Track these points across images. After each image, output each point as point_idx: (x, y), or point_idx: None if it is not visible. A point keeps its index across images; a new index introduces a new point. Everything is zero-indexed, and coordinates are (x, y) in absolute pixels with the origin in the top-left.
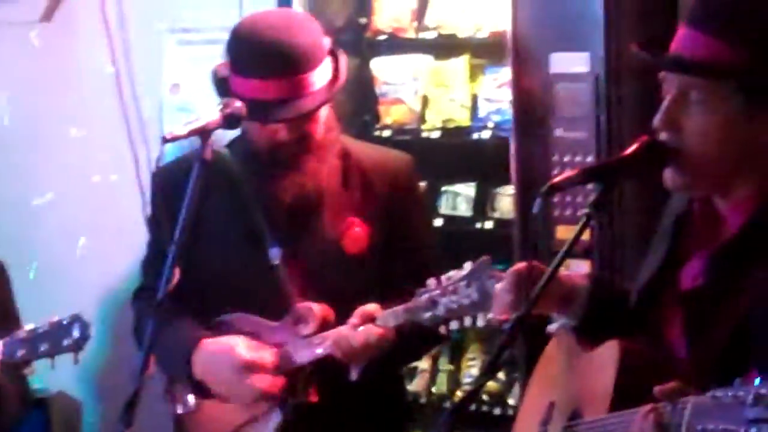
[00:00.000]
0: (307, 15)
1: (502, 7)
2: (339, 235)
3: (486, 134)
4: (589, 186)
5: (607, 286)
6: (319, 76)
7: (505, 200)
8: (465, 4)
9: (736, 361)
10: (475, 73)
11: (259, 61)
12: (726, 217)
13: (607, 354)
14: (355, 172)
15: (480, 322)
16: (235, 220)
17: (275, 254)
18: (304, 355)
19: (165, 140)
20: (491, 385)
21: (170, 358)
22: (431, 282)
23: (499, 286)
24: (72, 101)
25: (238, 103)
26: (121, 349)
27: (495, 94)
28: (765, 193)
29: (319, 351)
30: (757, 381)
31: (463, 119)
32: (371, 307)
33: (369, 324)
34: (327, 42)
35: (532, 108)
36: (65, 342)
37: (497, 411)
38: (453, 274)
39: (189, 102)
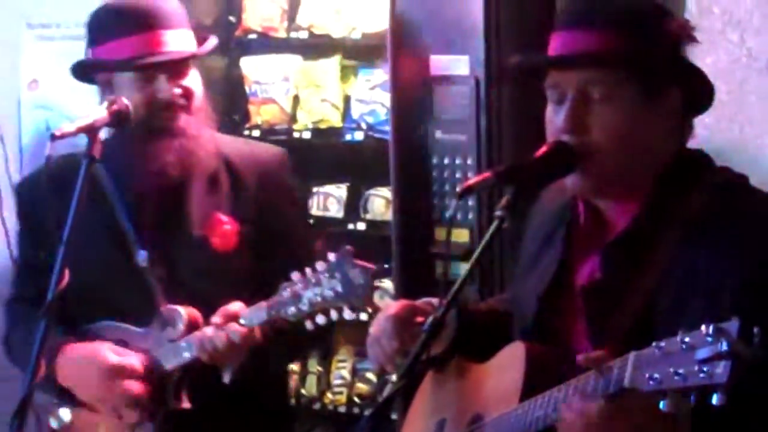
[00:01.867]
0: None
1: (377, 8)
2: (207, 232)
3: (359, 135)
4: None
5: (473, 312)
6: (187, 38)
7: (378, 201)
8: (338, 4)
9: (640, 347)
10: (347, 74)
11: (125, 20)
12: (611, 219)
13: (512, 354)
14: (222, 165)
15: (347, 315)
16: (101, 225)
17: (142, 257)
18: (171, 360)
19: (54, 137)
20: (361, 387)
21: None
22: (295, 276)
23: (377, 333)
24: None
25: (125, 101)
26: None
27: (368, 96)
28: (646, 193)
29: (186, 355)
30: (703, 327)
31: (335, 120)
32: (235, 306)
33: (233, 323)
34: (187, 18)
35: (411, 110)
36: None
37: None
38: (317, 266)
39: (48, 99)
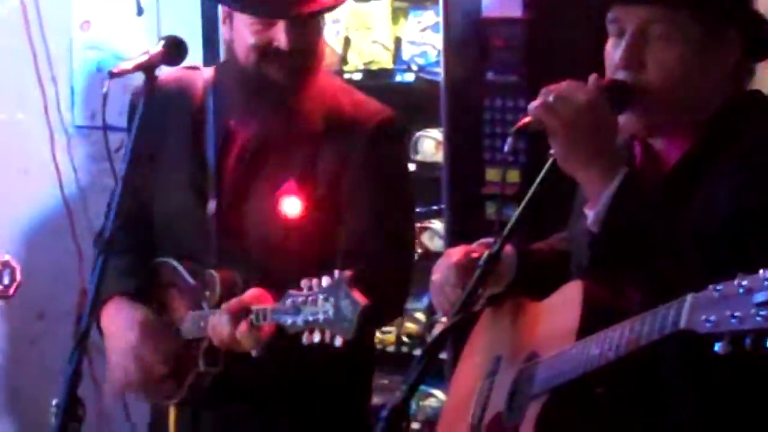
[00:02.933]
0: None
1: None
2: (278, 197)
3: (410, 77)
4: None
5: (533, 252)
6: None
7: (429, 143)
8: None
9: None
10: (397, 15)
11: None
12: (665, 157)
13: (569, 292)
14: (321, 129)
15: (337, 342)
16: (189, 159)
17: (211, 206)
18: (196, 328)
19: (112, 75)
20: (410, 326)
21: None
22: (304, 284)
23: (440, 281)
24: None
25: (179, 37)
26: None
27: (419, 37)
28: (700, 131)
29: (203, 327)
30: (761, 271)
31: (386, 61)
32: (251, 297)
33: (243, 323)
34: None
35: (462, 51)
36: None
37: (417, 352)
38: (322, 282)
39: (100, 39)
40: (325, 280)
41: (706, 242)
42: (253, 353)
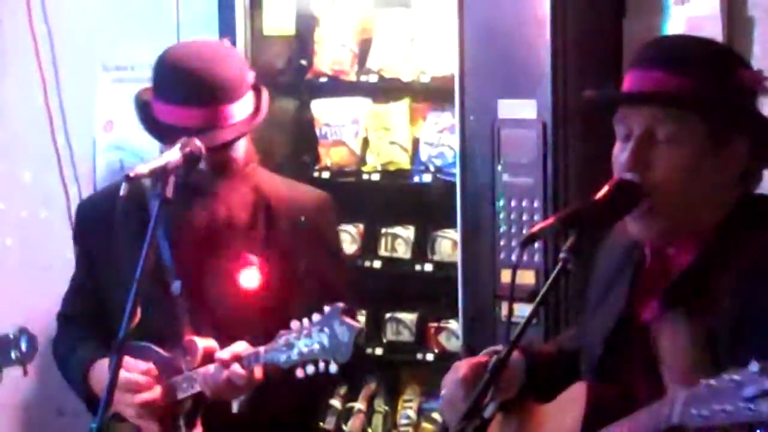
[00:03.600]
0: (232, 48)
1: (446, 52)
2: (236, 271)
3: (427, 177)
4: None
5: (540, 355)
6: (240, 109)
7: (446, 243)
8: (407, 49)
9: None
10: (415, 117)
11: (181, 88)
12: (675, 261)
13: (574, 393)
14: (262, 207)
15: (332, 369)
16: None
17: (176, 287)
18: (184, 390)
19: (128, 178)
20: (427, 427)
21: (73, 380)
22: (294, 325)
23: (450, 397)
24: (2, 137)
25: (197, 143)
26: None
27: (436, 138)
28: (708, 236)
29: (196, 386)
30: (750, 365)
31: (404, 162)
32: (240, 346)
33: (235, 364)
34: (250, 76)
35: (478, 153)
36: (13, 355)
37: None
38: (313, 318)
39: (123, 140)
40: (316, 315)
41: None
42: (234, 408)
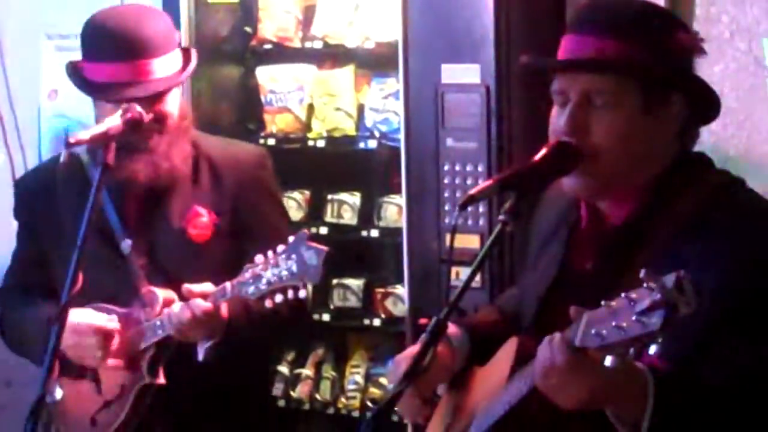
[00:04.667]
0: (157, 9)
1: (389, 18)
2: (185, 224)
3: (372, 143)
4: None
5: (481, 324)
6: (168, 64)
7: (392, 209)
8: (352, 15)
9: None
10: (360, 83)
11: (106, 45)
12: (609, 218)
13: (505, 349)
14: (204, 163)
15: (302, 294)
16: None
17: (126, 245)
18: (147, 338)
19: (69, 144)
20: (374, 391)
21: (34, 341)
22: (259, 258)
23: None
24: None
25: (138, 108)
26: None
27: (381, 104)
28: (643, 187)
29: (159, 332)
30: (642, 273)
31: (349, 128)
32: (203, 286)
33: (198, 299)
34: (177, 35)
35: (422, 118)
36: None
37: None
38: (277, 249)
39: (67, 108)
40: (281, 247)
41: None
42: (200, 355)
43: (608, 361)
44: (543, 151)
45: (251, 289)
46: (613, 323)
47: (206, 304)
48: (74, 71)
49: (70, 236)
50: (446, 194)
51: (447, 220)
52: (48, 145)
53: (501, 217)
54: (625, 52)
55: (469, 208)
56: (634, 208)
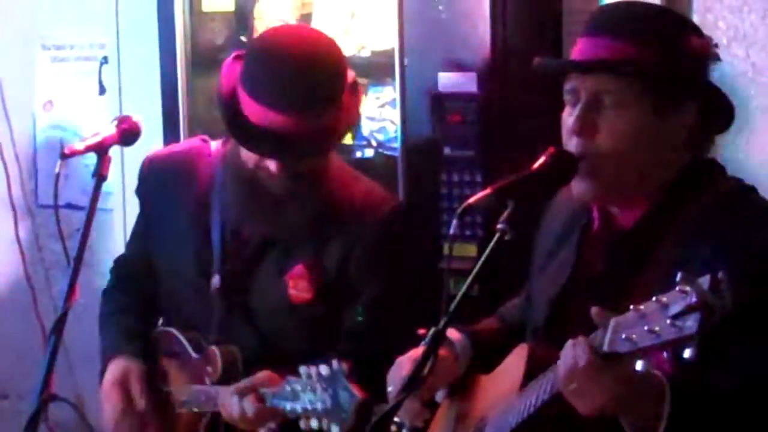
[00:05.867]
0: (332, 42)
1: (385, 27)
2: (284, 280)
3: (369, 152)
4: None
5: (484, 332)
6: (331, 116)
7: None
8: (347, 23)
9: None
10: None
11: (272, 90)
12: (620, 222)
13: (515, 356)
14: (326, 219)
15: (334, 431)
16: (193, 233)
17: (215, 281)
18: (200, 403)
19: (64, 155)
20: None
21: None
22: (303, 371)
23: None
24: None
25: (135, 118)
26: None
27: (378, 113)
28: (654, 198)
29: (214, 407)
30: (677, 285)
31: (346, 137)
32: (260, 379)
33: (251, 396)
34: (349, 75)
35: (419, 126)
36: None
37: None
38: (321, 369)
39: (62, 119)
40: (324, 369)
41: None
42: None
43: (639, 365)
44: (541, 160)
45: (288, 406)
46: (645, 327)
47: (256, 406)
48: (229, 102)
49: (163, 234)
50: (444, 203)
51: (443, 230)
52: (43, 157)
53: (499, 226)
54: (636, 53)
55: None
56: (645, 211)
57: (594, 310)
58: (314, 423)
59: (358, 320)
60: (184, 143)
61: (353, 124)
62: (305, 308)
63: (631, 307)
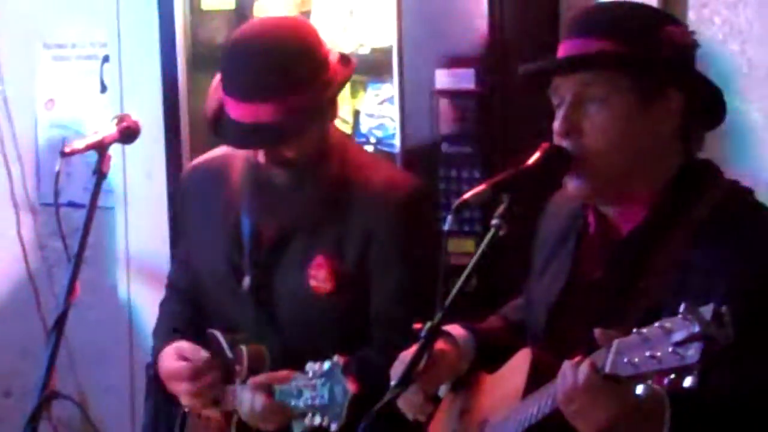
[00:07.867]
0: (298, 24)
1: (384, 24)
2: (306, 272)
3: (368, 149)
4: None
5: (488, 330)
6: (301, 97)
7: None
8: (346, 21)
9: None
10: (356, 88)
11: (234, 80)
12: (618, 226)
13: (518, 360)
14: (341, 205)
15: (332, 428)
16: (225, 236)
17: (245, 282)
18: (227, 402)
19: (63, 154)
20: None
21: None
22: (309, 367)
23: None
24: None
25: (134, 117)
26: None
27: (377, 110)
28: (652, 200)
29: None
30: (680, 312)
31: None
32: (276, 376)
33: (261, 392)
34: (328, 52)
35: (417, 123)
36: None
37: None
38: (322, 366)
39: (64, 118)
40: (326, 364)
41: None
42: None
43: (640, 389)
44: (536, 155)
45: (293, 402)
46: (647, 353)
47: (265, 401)
48: (216, 121)
49: (199, 240)
50: (442, 200)
51: (441, 226)
52: (45, 156)
53: (494, 221)
54: (613, 46)
55: (453, 216)
56: (643, 216)
57: (597, 331)
58: (317, 419)
59: (387, 306)
60: (223, 148)
61: (334, 98)
62: (327, 299)
63: (635, 330)
